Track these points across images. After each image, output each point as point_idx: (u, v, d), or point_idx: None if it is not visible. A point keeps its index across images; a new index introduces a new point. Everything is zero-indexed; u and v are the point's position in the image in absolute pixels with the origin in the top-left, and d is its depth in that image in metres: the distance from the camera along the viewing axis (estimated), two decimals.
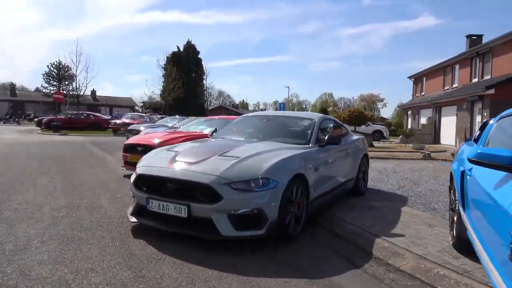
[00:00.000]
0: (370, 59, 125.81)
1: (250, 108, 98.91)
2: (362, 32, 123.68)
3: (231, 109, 71.74)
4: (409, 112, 29.16)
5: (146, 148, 7.39)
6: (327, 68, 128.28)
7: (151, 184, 3.90)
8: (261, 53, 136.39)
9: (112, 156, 11.80)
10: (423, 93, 29.27)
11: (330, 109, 52.67)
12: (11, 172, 7.83)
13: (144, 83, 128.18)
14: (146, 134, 9.17)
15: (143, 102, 57.62)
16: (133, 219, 3.95)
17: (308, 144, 4.72)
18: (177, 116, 34.16)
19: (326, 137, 4.93)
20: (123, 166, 7.92)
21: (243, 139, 5.12)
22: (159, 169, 3.89)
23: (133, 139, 8.02)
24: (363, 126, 26.42)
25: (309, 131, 4.99)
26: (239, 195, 3.47)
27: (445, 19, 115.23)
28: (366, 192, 6.54)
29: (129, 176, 8.09)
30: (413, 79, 31.86)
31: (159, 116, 31.33)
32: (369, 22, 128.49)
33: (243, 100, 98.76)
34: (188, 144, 4.83)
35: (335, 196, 5.28)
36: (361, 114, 17.74)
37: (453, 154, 13.62)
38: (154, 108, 52.90)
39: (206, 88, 46.52)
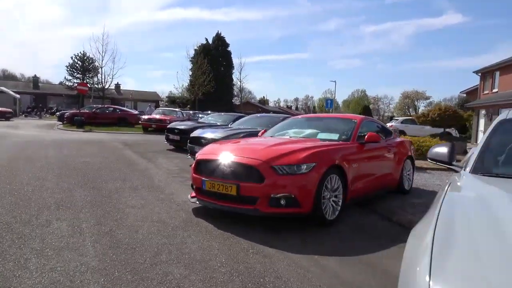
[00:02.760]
0: (392, 56, 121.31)
1: (271, 104, 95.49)
2: (384, 30, 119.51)
3: (258, 105, 68.48)
4: (482, 112, 25.18)
5: (248, 170, 4.15)
6: (348, 65, 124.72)
7: None
8: (281, 50, 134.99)
9: (154, 165, 8.67)
10: (495, 90, 25.20)
11: (371, 106, 48.55)
12: (9, 200, 4.72)
13: (165, 79, 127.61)
14: (229, 142, 5.81)
15: (167, 97, 54.97)
16: None
17: None
18: (209, 112, 31.18)
19: None
20: (193, 197, 4.70)
21: None
22: None
23: (216, 151, 4.73)
24: (428, 127, 22.77)
25: None
26: None
27: (471, 17, 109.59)
28: None
29: (202, 214, 4.48)
30: (479, 74, 27.76)
31: (191, 112, 28.36)
32: (391, 20, 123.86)
33: (263, 96, 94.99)
34: None
35: None
36: (455, 113, 14.12)
37: None
38: (181, 103, 50.15)
39: (241, 81, 43.28)
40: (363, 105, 41.82)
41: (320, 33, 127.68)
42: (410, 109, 45.07)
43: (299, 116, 7.07)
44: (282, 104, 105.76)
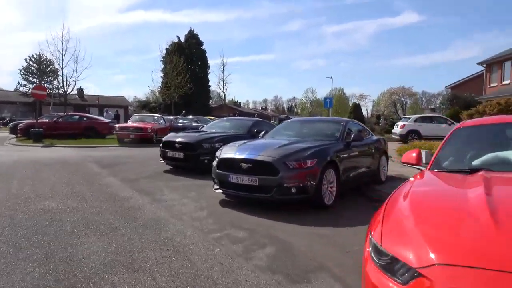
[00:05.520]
0: (355, 56, 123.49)
1: (243, 106, 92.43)
2: (346, 29, 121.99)
3: (234, 107, 65.03)
4: None
5: None
6: (312, 65, 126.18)
7: None
8: (246, 52, 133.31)
9: (164, 208, 5.29)
10: (506, 81, 23.36)
11: (362, 103, 46.27)
12: None
13: (129, 83, 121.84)
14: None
15: (138, 101, 50.40)
16: None
17: None
18: (190, 116, 27.54)
19: None
20: None
21: None
22: None
23: None
24: (444, 125, 20.37)
25: None
26: None
27: (427, 15, 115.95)
28: None
29: None
30: (484, 65, 25.97)
31: (171, 117, 24.64)
32: (353, 19, 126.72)
33: (232, 98, 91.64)
34: None
35: None
36: None
37: None
38: (150, 108, 45.87)
39: (224, 81, 39.38)
40: (352, 104, 39.48)
41: (284, 34, 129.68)
42: (397, 106, 43.30)
43: (478, 121, 3.73)
44: (251, 105, 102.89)
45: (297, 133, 7.05)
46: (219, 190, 5.73)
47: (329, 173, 5.53)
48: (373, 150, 7.29)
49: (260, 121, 10.62)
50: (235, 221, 4.74)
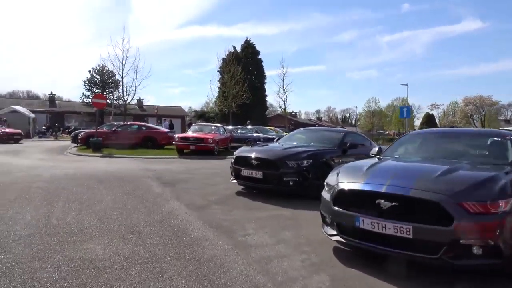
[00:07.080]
0: (410, 66, 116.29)
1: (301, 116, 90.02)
2: (401, 39, 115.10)
3: (289, 118, 63.04)
4: None
5: None
6: (364, 76, 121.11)
7: None
8: (297, 63, 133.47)
9: (257, 264, 3.42)
10: None
11: (434, 112, 42.17)
12: None
13: (185, 95, 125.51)
14: None
15: (194, 111, 50.37)
16: None
17: None
18: (249, 126, 26.03)
19: None
20: None
21: None
22: None
23: None
24: None
25: None
26: None
27: (490, 22, 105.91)
28: None
29: None
30: None
31: (230, 127, 23.29)
32: (408, 28, 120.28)
33: (283, 108, 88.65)
34: None
35: None
36: None
37: None
38: (207, 118, 45.40)
39: (284, 90, 37.17)
40: (424, 114, 35.82)
41: (336, 45, 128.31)
42: (474, 117, 38.80)
43: None
44: (303, 116, 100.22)
45: (439, 150, 4.88)
46: (338, 238, 3.75)
47: None
48: None
49: (350, 132, 8.58)
50: None
